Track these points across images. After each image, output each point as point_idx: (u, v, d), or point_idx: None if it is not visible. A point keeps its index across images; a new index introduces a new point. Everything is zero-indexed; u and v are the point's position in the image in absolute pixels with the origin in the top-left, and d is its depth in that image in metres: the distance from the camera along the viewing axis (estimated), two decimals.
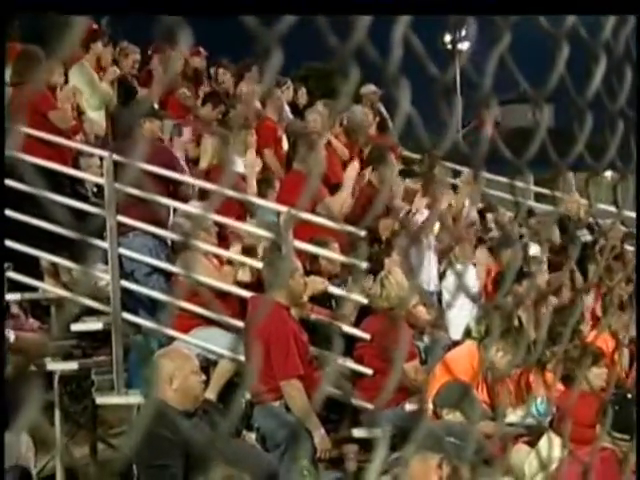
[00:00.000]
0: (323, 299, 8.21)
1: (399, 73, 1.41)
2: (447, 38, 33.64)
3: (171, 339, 7.61)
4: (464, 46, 33.23)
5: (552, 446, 5.12)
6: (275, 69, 1.22)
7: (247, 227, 8.52)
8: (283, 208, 8.56)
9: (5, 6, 1.42)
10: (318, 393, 6.20)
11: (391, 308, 7.84)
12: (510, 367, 6.94)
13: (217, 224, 8.28)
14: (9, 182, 6.85)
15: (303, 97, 13.26)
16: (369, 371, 7.57)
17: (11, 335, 6.49)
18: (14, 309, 8.16)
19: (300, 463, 6.12)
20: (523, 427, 6.63)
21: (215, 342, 7.53)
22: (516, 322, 7.23)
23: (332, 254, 8.24)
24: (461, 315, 8.73)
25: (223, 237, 8.51)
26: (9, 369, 6.17)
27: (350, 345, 7.80)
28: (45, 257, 8.46)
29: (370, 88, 13.18)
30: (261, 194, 9.30)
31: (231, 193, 7.38)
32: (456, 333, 8.59)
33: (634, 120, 2.30)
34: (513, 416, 6.73)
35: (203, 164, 9.56)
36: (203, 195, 8.88)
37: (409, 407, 7.47)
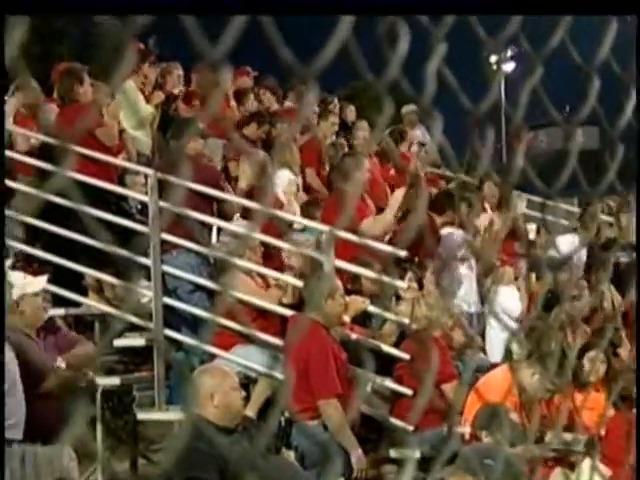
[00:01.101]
0: (364, 319, 8.23)
1: (432, 106, 1.46)
2: (493, 59, 33.57)
3: (212, 356, 7.67)
4: (509, 67, 33.28)
5: (591, 471, 5.12)
6: (312, 103, 1.28)
7: (289, 247, 8.54)
8: (325, 227, 8.58)
9: (5, 6, 1.48)
10: (351, 411, 6.23)
11: (424, 329, 7.86)
12: (546, 390, 6.91)
13: (263, 244, 8.32)
14: (57, 199, 6.93)
15: (352, 114, 13.30)
16: (409, 391, 7.56)
17: (62, 364, 6.52)
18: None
19: None
20: (557, 450, 6.62)
21: (255, 360, 7.57)
22: (554, 345, 7.21)
23: (372, 274, 8.24)
24: (502, 337, 8.73)
25: (268, 256, 8.54)
26: (58, 383, 6.25)
27: (392, 365, 7.82)
28: (89, 273, 8.56)
29: (410, 108, 13.19)
30: (308, 215, 9.30)
31: (273, 213, 7.43)
32: (497, 355, 8.58)
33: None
34: (547, 439, 6.71)
35: (242, 184, 9.63)
36: (245, 214, 8.93)
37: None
